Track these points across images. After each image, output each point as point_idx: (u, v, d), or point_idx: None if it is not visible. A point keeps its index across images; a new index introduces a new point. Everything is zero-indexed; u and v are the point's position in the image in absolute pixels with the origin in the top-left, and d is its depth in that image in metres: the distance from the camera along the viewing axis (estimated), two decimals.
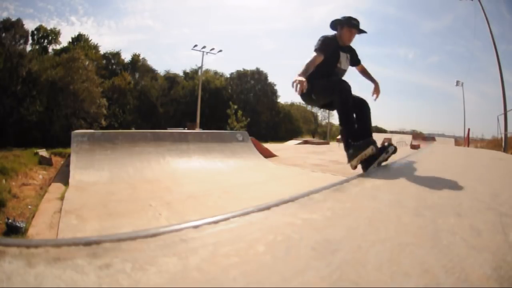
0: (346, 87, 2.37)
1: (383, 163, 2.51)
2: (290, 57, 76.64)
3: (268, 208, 1.11)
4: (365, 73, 2.88)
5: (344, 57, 2.64)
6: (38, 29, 26.70)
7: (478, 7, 13.50)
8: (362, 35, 2.70)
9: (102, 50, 32.65)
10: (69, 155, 6.36)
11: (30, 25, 53.18)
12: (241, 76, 37.51)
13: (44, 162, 7.82)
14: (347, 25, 2.58)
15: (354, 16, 2.59)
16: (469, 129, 15.40)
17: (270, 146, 11.12)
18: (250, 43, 74.29)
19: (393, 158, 2.58)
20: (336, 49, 2.59)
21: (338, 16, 2.65)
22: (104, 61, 32.07)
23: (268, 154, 8.47)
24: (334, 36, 2.64)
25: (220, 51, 26.49)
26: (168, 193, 4.25)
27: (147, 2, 59.44)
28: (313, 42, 2.53)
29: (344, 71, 2.70)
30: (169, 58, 66.86)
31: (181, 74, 37.05)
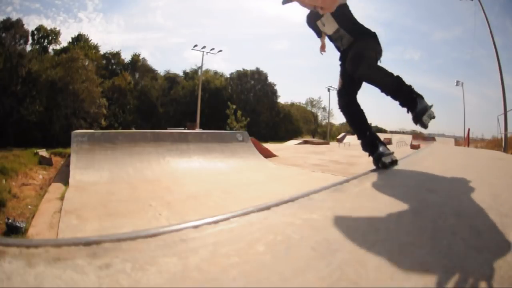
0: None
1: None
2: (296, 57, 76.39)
3: (268, 208, 1.11)
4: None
5: (321, 24, 2.40)
6: (38, 29, 26.70)
7: (481, 12, 13.49)
8: None
9: (108, 49, 32.61)
10: (69, 155, 6.36)
11: (35, 21, 52.53)
12: (241, 76, 37.52)
13: (44, 162, 7.82)
14: None
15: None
16: (469, 129, 15.41)
17: (270, 146, 11.11)
18: (261, 44, 73.91)
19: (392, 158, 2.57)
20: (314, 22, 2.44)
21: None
22: (104, 61, 32.09)
23: (268, 154, 8.47)
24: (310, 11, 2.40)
25: (220, 51, 26.50)
26: (168, 193, 4.25)
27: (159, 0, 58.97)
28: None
29: (333, 33, 2.35)
30: (177, 58, 66.86)
31: (181, 74, 37.11)
